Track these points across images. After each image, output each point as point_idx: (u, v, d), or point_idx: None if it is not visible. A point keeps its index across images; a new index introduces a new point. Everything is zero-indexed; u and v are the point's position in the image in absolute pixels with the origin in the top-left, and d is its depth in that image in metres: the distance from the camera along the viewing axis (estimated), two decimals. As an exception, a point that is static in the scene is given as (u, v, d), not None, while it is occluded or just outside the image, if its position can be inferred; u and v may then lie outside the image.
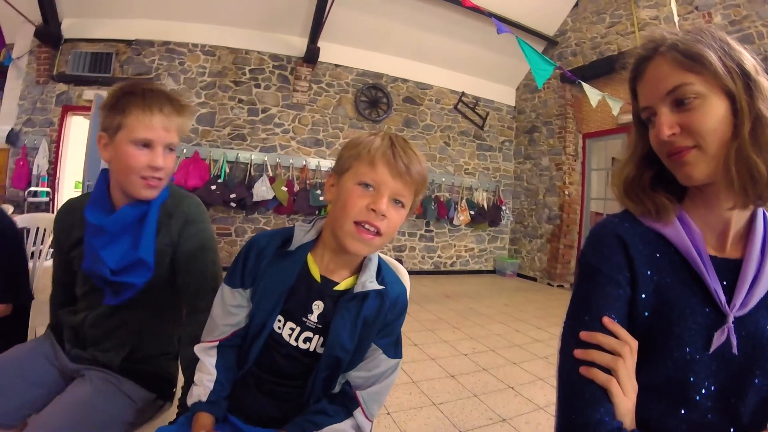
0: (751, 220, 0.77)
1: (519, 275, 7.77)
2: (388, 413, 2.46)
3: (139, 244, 1.16)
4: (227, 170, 6.12)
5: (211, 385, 1.00)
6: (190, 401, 1.01)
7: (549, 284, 7.06)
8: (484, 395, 2.74)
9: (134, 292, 1.19)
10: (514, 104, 8.28)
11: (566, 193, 6.87)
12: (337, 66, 6.90)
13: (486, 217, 7.68)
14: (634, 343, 0.69)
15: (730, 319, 0.69)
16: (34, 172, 5.59)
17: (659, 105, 0.72)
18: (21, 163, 5.59)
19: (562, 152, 6.96)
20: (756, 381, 0.69)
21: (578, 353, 0.69)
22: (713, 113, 0.68)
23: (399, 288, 1.09)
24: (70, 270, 1.30)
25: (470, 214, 7.49)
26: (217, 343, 1.04)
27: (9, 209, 2.56)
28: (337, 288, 1.02)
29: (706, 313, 0.71)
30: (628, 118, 0.87)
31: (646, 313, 0.73)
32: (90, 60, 5.82)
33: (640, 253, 0.75)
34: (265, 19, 6.20)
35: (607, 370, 0.66)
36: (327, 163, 6.72)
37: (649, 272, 0.74)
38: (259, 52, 6.48)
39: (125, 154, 1.11)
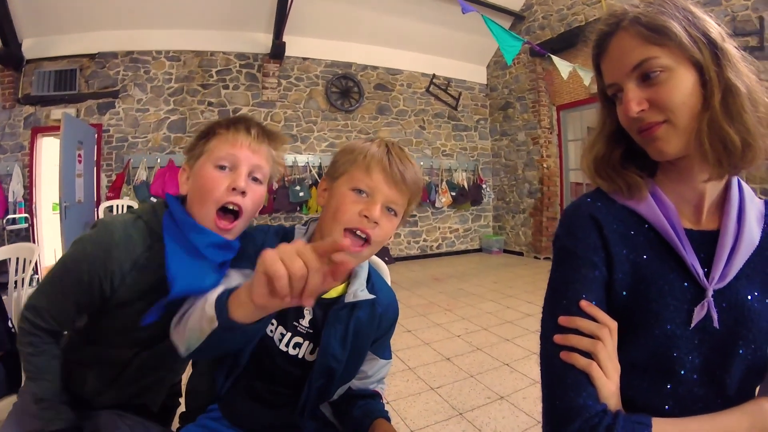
0: (726, 190, 0.76)
1: (505, 251, 7.86)
2: (388, 402, 2.49)
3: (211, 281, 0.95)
4: (204, 175, 6.02)
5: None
6: (213, 305, 0.81)
7: (536, 257, 7.16)
8: (480, 374, 2.79)
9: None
10: (486, 82, 8.28)
11: (545, 166, 6.94)
12: (304, 59, 6.81)
13: (467, 197, 7.72)
14: (614, 325, 0.68)
15: (709, 293, 0.69)
16: (10, 199, 5.40)
17: (625, 81, 0.70)
18: (-5, 191, 5.41)
19: (538, 126, 7.00)
20: (740, 351, 0.69)
21: (558, 338, 0.68)
22: (682, 86, 0.67)
23: (389, 296, 1.11)
24: (79, 310, 1.02)
25: (452, 195, 7.53)
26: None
27: None
28: (325, 296, 1.01)
29: (684, 287, 0.70)
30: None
31: (624, 293, 0.72)
32: (54, 78, 5.65)
33: (615, 232, 0.74)
34: (228, 18, 6.08)
35: (588, 354, 0.66)
36: (303, 158, 6.67)
37: (624, 251, 0.73)
38: (224, 53, 6.36)
39: (203, 178, 0.96)
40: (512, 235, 7.77)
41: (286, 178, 6.46)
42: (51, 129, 5.60)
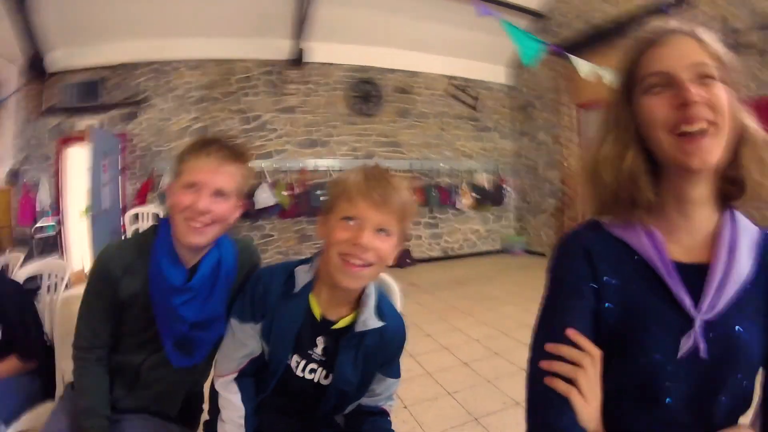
0: (721, 221, 0.76)
1: (528, 251, 7.78)
2: (405, 407, 2.51)
3: (215, 299, 1.19)
4: (227, 181, 6.14)
5: (242, 422, 1.07)
6: None
7: (558, 258, 7.05)
8: (498, 380, 2.79)
9: (208, 350, 1.22)
10: (505, 82, 8.20)
11: (566, 166, 6.84)
12: (324, 64, 6.88)
13: (489, 198, 7.66)
14: (597, 353, 0.70)
15: (697, 323, 0.69)
16: (38, 207, 5.67)
17: (681, 73, 0.69)
18: (24, 200, 5.67)
19: (559, 125, 6.91)
20: (727, 382, 0.70)
21: (543, 364, 0.71)
22: (726, 99, 0.69)
23: (397, 322, 1.17)
24: (114, 324, 1.21)
25: (473, 196, 7.48)
26: (235, 374, 1.11)
27: (19, 258, 2.64)
28: (335, 327, 1.09)
29: (673, 318, 0.71)
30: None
31: (613, 321, 0.74)
32: (78, 90, 5.86)
33: (604, 261, 0.76)
34: (247, 26, 6.19)
35: (570, 380, 0.68)
36: (325, 163, 6.75)
37: (614, 281, 0.75)
38: (244, 60, 6.49)
39: (174, 197, 1.13)
40: (534, 235, 7.68)
41: (307, 183, 6.53)
42: (76, 139, 5.80)
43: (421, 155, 7.46)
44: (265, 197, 6.11)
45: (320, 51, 6.66)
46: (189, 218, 1.10)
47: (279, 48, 6.50)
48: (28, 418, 1.52)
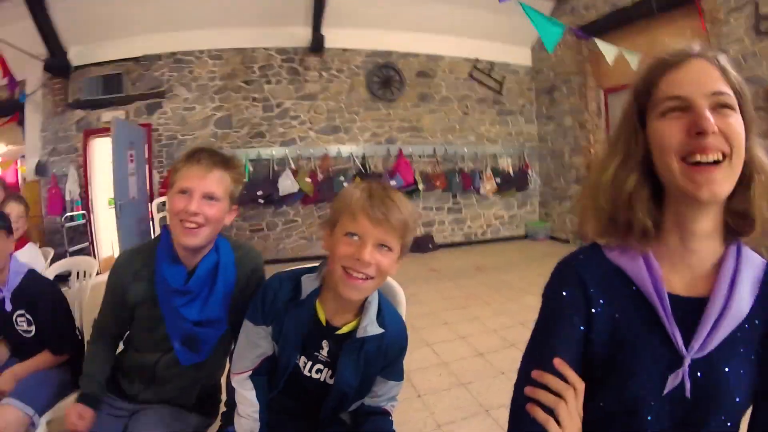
0: (724, 255, 0.73)
1: (552, 238, 7.67)
2: (419, 396, 2.56)
3: (214, 300, 1.30)
4: (251, 169, 6.27)
5: (257, 416, 1.16)
6: None
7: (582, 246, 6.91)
8: (512, 372, 2.73)
9: (210, 347, 1.33)
10: (530, 64, 7.98)
11: (592, 152, 6.66)
12: (344, 50, 6.86)
13: (513, 183, 7.54)
14: (580, 386, 0.70)
15: (686, 361, 0.69)
16: (67, 198, 5.92)
17: (699, 100, 0.66)
18: (53, 191, 5.93)
19: (585, 110, 6.70)
20: (711, 422, 0.69)
21: (527, 390, 0.72)
22: (741, 129, 0.67)
23: (397, 329, 1.22)
24: (124, 321, 1.37)
25: (496, 182, 7.37)
26: (249, 372, 1.18)
27: (50, 253, 2.76)
28: (339, 332, 1.15)
29: (662, 353, 0.71)
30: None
31: (602, 351, 0.74)
32: (102, 83, 6.04)
33: (599, 291, 0.76)
34: (266, 14, 6.20)
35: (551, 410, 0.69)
36: (347, 149, 6.78)
37: (607, 311, 0.75)
38: (265, 49, 6.52)
39: (170, 203, 1.25)
40: (558, 222, 7.55)
41: (330, 169, 6.58)
42: (102, 131, 6.01)
43: (443, 140, 7.39)
44: (288, 184, 6.19)
45: (339, 37, 6.63)
46: (183, 220, 1.20)
47: (298, 35, 6.51)
48: (59, 407, 1.64)
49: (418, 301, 4.39)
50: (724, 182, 0.66)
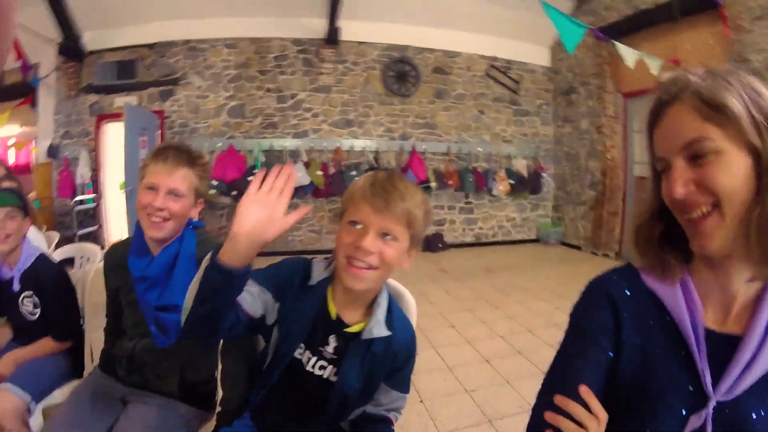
0: (763, 291, 0.68)
1: (563, 243, 7.55)
2: (422, 401, 2.51)
3: (174, 286, 1.35)
4: (263, 159, 6.24)
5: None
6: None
7: (593, 253, 6.78)
8: (517, 381, 2.72)
9: (178, 332, 1.35)
10: (549, 64, 7.82)
11: (608, 157, 6.48)
12: (360, 43, 6.78)
13: (526, 185, 7.41)
14: (604, 417, 0.67)
15: (711, 404, 0.64)
16: (78, 181, 5.96)
17: (674, 158, 0.66)
18: (64, 174, 5.97)
19: (602, 114, 6.52)
20: None
21: (548, 416, 0.68)
22: (734, 171, 0.61)
23: (406, 333, 1.18)
24: (118, 305, 1.49)
25: (510, 183, 7.25)
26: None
27: (55, 237, 2.76)
28: (347, 330, 1.11)
29: (688, 391, 0.67)
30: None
31: (628, 379, 0.71)
32: (116, 68, 6.06)
33: (631, 316, 0.73)
34: (283, 4, 6.15)
35: None
36: (360, 143, 6.72)
37: (637, 339, 0.71)
38: (280, 39, 6.47)
39: (138, 197, 1.34)
40: (571, 227, 7.41)
41: (342, 163, 6.52)
42: (115, 116, 6.00)
43: (458, 138, 7.30)
44: (299, 176, 6.15)
45: (355, 29, 6.56)
46: (150, 214, 1.30)
47: (314, 26, 6.45)
48: (57, 395, 1.63)
49: (426, 301, 4.34)
50: (713, 233, 0.63)
